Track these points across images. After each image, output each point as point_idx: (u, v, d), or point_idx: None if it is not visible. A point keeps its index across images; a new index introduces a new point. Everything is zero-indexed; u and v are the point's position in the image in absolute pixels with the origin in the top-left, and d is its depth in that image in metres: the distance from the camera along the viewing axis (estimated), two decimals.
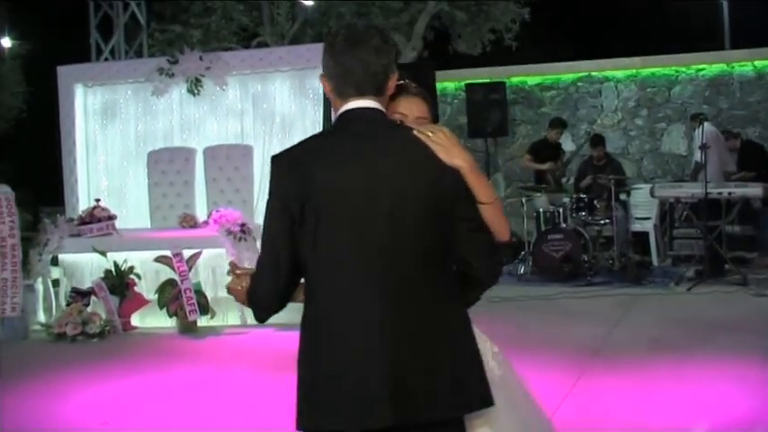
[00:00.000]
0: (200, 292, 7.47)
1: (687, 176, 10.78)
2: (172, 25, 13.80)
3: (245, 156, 8.98)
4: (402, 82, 2.53)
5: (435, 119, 2.58)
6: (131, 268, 7.68)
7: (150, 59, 10.90)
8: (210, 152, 9.12)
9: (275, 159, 2.18)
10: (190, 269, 7.44)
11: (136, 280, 7.70)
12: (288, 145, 2.30)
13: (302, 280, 2.19)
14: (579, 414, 4.59)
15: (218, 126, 9.35)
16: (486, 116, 11.27)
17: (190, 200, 9.11)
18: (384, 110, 2.21)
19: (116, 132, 9.62)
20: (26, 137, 16.67)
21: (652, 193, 9.55)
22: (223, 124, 9.34)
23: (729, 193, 8.87)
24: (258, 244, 3.96)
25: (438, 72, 11.36)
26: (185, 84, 9.15)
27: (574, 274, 9.12)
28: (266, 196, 2.18)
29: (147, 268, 7.75)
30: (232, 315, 7.51)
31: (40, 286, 7.91)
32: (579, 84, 12.23)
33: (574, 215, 9.54)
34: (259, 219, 7.19)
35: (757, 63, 11.56)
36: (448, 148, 2.13)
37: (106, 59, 12.99)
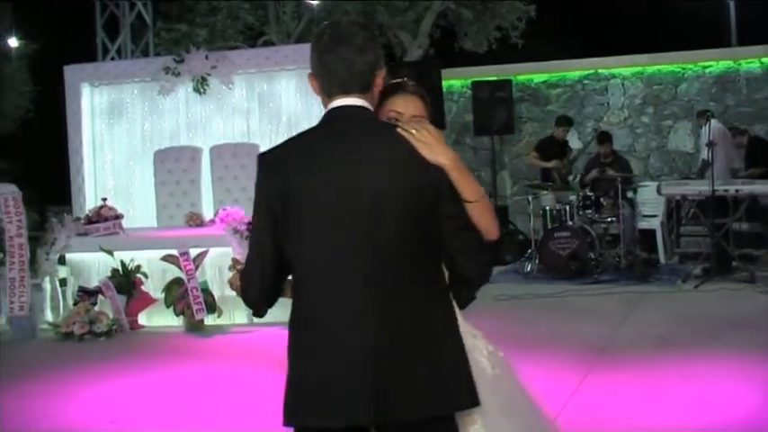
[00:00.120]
0: (206, 291, 7.48)
1: (694, 174, 10.75)
2: (178, 24, 13.80)
3: (252, 154, 8.91)
4: (400, 80, 2.52)
5: (437, 118, 2.57)
6: (138, 267, 7.69)
7: (156, 59, 10.90)
8: (217, 151, 9.14)
9: (260, 158, 2.21)
10: (197, 268, 7.45)
11: (143, 279, 7.71)
12: None
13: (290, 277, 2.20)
14: (586, 411, 4.59)
15: (224, 125, 9.37)
16: (492, 114, 11.27)
17: (196, 199, 9.13)
18: (371, 107, 2.20)
19: (122, 131, 9.66)
20: (33, 136, 16.69)
21: (659, 191, 9.52)
22: (229, 123, 9.36)
23: (737, 191, 8.83)
24: None
25: (444, 70, 11.38)
26: (191, 83, 9.18)
27: (580, 272, 9.10)
28: None
29: (153, 267, 7.76)
30: (239, 314, 7.50)
31: (47, 285, 7.93)
32: (585, 81, 12.20)
33: (580, 213, 9.52)
34: None
35: (764, 60, 11.49)
36: (431, 146, 2.10)
37: (112, 59, 13.01)
